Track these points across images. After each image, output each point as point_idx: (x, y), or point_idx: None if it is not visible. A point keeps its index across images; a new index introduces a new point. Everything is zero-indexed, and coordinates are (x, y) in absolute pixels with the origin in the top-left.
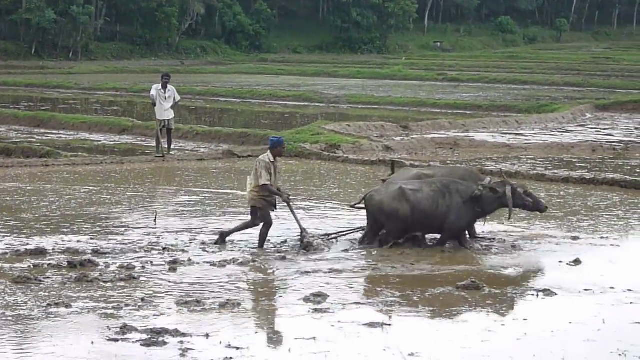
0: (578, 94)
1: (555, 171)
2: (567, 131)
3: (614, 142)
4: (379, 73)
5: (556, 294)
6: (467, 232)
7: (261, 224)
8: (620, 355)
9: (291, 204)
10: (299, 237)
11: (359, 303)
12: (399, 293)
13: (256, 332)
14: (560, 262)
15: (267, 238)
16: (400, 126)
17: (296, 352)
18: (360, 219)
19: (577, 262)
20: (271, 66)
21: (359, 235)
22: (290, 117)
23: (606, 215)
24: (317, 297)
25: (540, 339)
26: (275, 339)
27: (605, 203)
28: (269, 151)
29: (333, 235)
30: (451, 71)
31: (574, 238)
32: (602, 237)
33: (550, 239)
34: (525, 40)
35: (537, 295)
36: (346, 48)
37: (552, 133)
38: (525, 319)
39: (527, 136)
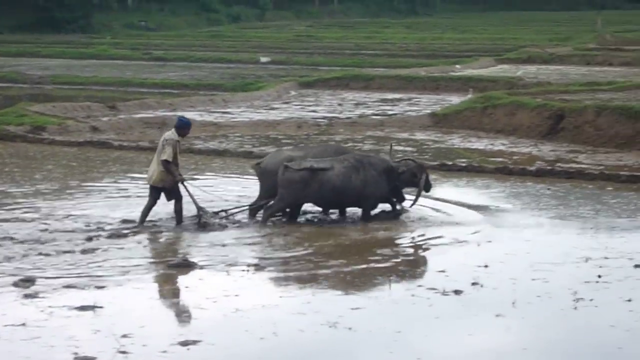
0: (282, 71)
1: (262, 148)
2: (272, 108)
3: (318, 118)
4: (84, 53)
5: (265, 268)
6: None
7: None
8: (330, 326)
9: (186, 184)
10: (196, 217)
11: (70, 286)
12: (111, 275)
13: None
14: (270, 235)
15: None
16: (107, 106)
17: (5, 339)
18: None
19: (285, 235)
20: None
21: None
22: None
23: None
24: (27, 282)
25: (252, 313)
26: None
27: None
28: (174, 129)
29: (229, 212)
30: (157, 50)
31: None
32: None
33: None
34: (229, 19)
35: (248, 271)
36: (49, 28)
37: (259, 111)
38: (237, 295)
39: (234, 114)
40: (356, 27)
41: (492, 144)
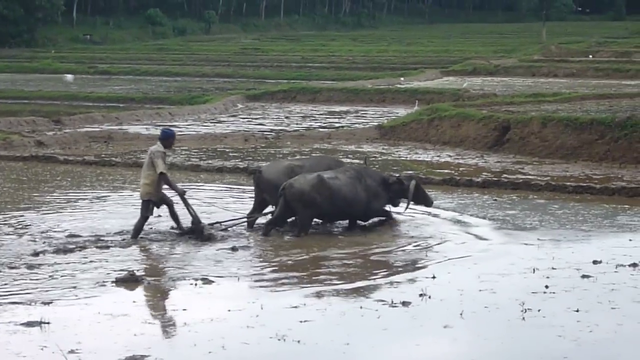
0: (229, 84)
1: (210, 161)
2: (219, 122)
3: (265, 131)
4: (28, 67)
5: (214, 282)
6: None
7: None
8: (279, 340)
9: (185, 197)
10: (192, 229)
11: (16, 302)
12: (58, 290)
13: None
14: (219, 249)
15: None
16: (52, 120)
17: None
18: None
19: (234, 249)
20: None
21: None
22: None
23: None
24: None
25: (200, 327)
26: None
27: None
28: (159, 142)
29: (224, 224)
30: (102, 64)
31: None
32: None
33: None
34: (175, 33)
35: (196, 285)
36: None
37: (205, 124)
38: (185, 309)
39: (180, 127)
40: (303, 40)
41: (438, 156)
